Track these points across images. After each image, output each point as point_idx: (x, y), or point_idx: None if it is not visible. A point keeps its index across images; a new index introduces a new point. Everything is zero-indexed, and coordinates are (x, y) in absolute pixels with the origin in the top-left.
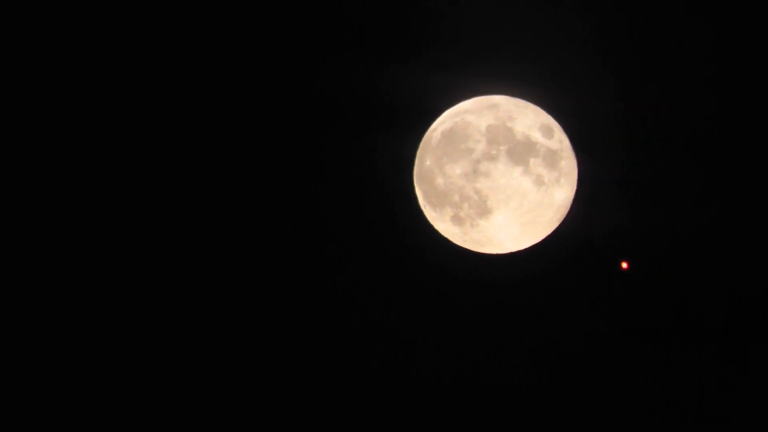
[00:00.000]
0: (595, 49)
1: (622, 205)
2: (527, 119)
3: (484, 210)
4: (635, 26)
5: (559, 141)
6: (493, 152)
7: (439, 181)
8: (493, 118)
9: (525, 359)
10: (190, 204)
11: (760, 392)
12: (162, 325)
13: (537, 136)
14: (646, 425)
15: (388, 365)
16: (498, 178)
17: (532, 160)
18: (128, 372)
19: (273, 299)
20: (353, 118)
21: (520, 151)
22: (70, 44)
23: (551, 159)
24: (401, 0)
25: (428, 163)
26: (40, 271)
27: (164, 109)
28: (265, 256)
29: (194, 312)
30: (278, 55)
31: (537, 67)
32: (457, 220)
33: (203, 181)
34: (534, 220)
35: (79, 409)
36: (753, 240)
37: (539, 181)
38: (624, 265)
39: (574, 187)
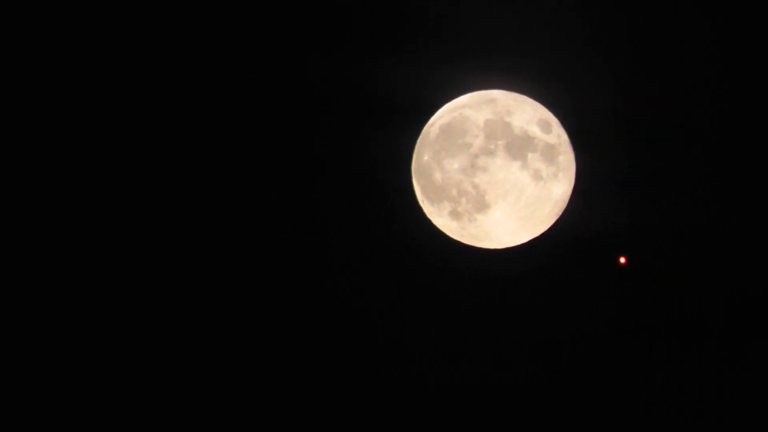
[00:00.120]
0: (593, 44)
1: (620, 200)
2: (525, 114)
3: (482, 205)
4: (632, 20)
5: (557, 136)
6: (491, 147)
7: (437, 175)
8: (491, 113)
9: (522, 354)
10: (188, 202)
11: (757, 389)
12: (162, 324)
13: (535, 130)
14: (642, 421)
15: (386, 360)
16: (496, 172)
17: (530, 155)
18: (128, 371)
19: (269, 293)
20: (351, 114)
21: (518, 146)
22: (59, 40)
23: (549, 154)
24: None
25: (426, 158)
26: (40, 271)
27: (159, 107)
28: (262, 251)
29: (193, 311)
30: (274, 51)
31: (535, 62)
32: (455, 214)
33: (201, 179)
34: (532, 214)
35: (79, 408)
36: (750, 235)
37: (537, 176)
38: (622, 260)
39: (572, 182)
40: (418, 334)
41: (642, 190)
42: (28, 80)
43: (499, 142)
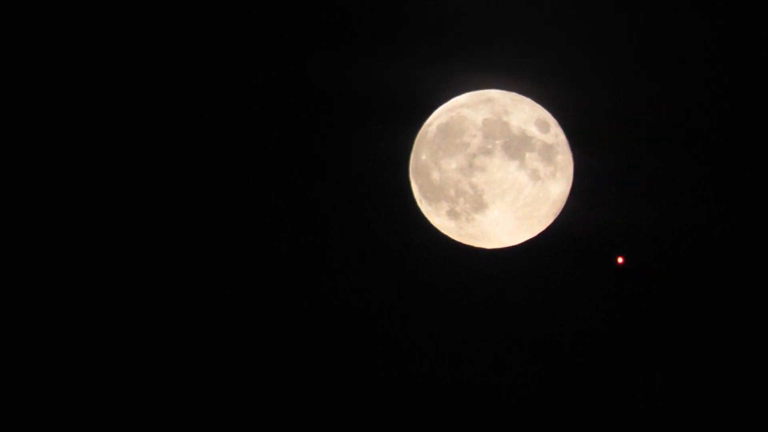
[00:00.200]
0: (591, 44)
1: (618, 200)
2: (523, 113)
3: (479, 204)
4: (631, 20)
5: (555, 135)
6: (489, 146)
7: (435, 175)
8: (489, 113)
9: (520, 353)
10: (188, 201)
11: (755, 388)
12: (162, 324)
13: (533, 130)
14: (641, 420)
15: (384, 358)
16: (494, 172)
17: (527, 155)
18: (128, 371)
19: (268, 291)
20: (349, 113)
21: (516, 146)
22: (57, 40)
23: (547, 153)
24: None
25: (424, 157)
26: (40, 270)
27: (160, 107)
28: (261, 250)
29: (193, 310)
30: (273, 50)
31: (533, 62)
32: (452, 214)
33: (199, 178)
34: (530, 214)
35: (79, 408)
36: (748, 234)
37: (535, 176)
38: (620, 259)
39: (570, 182)
40: (416, 333)
41: (640, 190)
42: (28, 80)
43: (497, 142)
